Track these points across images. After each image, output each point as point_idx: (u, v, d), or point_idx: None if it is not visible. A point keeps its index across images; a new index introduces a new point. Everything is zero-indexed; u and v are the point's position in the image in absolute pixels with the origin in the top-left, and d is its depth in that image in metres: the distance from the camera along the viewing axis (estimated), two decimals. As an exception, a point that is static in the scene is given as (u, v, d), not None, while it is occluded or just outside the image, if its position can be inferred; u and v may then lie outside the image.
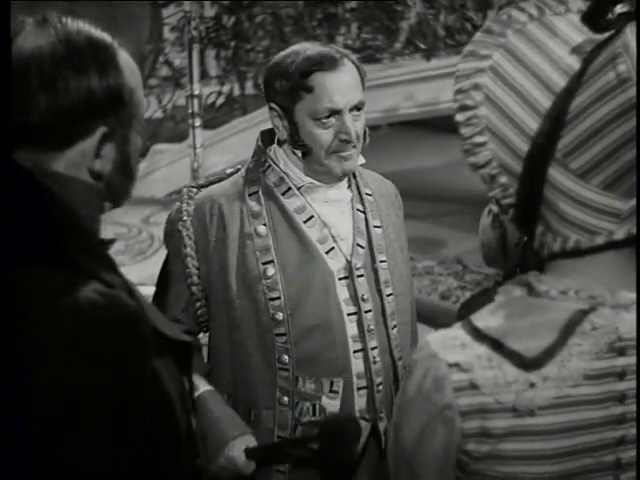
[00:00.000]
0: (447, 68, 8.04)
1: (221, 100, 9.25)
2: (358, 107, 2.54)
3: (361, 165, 2.65)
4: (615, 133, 1.33)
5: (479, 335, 1.38)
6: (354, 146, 2.54)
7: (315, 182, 2.58)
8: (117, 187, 1.59)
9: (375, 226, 2.63)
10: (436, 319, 5.44)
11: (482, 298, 1.44)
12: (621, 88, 1.32)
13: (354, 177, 2.65)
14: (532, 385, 1.35)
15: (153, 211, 8.05)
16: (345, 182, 2.63)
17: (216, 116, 9.09)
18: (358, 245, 2.60)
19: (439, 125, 9.16)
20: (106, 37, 1.56)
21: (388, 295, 2.61)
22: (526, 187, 1.38)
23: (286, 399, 2.53)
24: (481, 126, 1.39)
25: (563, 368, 1.35)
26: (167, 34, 9.38)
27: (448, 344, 1.39)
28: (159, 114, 9.00)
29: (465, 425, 1.37)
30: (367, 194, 2.66)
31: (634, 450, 1.37)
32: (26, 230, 1.43)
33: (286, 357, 2.52)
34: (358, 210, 2.63)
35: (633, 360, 1.36)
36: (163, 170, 8.47)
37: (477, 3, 9.07)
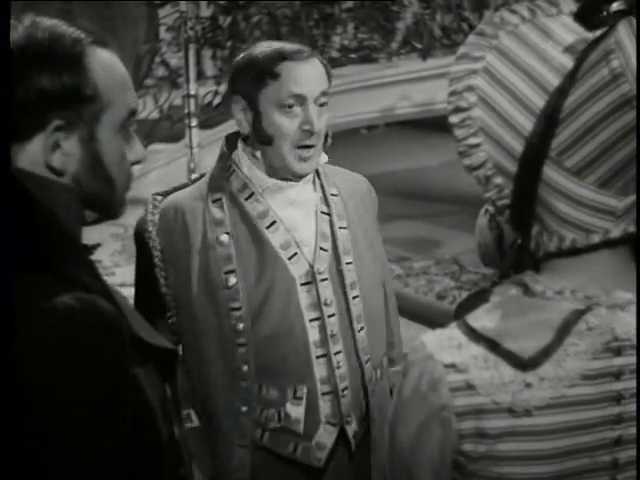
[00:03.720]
0: (443, 68, 8.04)
1: (217, 100, 9.24)
2: (322, 102, 2.53)
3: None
4: (609, 129, 1.33)
5: (475, 335, 1.37)
6: (313, 145, 2.52)
7: (278, 182, 2.55)
8: (92, 191, 1.57)
9: (341, 227, 2.60)
10: (432, 319, 5.44)
11: (478, 298, 1.44)
12: (615, 84, 1.32)
13: (319, 177, 2.63)
14: (528, 385, 1.35)
15: (150, 211, 8.01)
16: (310, 182, 2.60)
17: (212, 116, 9.08)
18: (321, 249, 2.57)
19: (435, 125, 9.16)
20: (75, 34, 1.55)
21: (354, 297, 2.58)
22: (521, 187, 1.38)
23: (245, 408, 2.52)
24: (475, 127, 1.39)
25: (559, 368, 1.35)
26: (163, 34, 9.38)
27: (444, 345, 1.38)
28: (155, 114, 9.00)
29: (461, 426, 1.37)
30: (332, 194, 2.63)
31: (631, 450, 1.37)
32: (5, 233, 1.42)
33: (245, 367, 2.50)
34: (322, 212, 2.60)
35: (630, 360, 1.37)
36: (160, 170, 8.46)
37: (473, 3, 9.08)
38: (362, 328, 2.59)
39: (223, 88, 9.22)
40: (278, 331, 2.51)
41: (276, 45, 2.56)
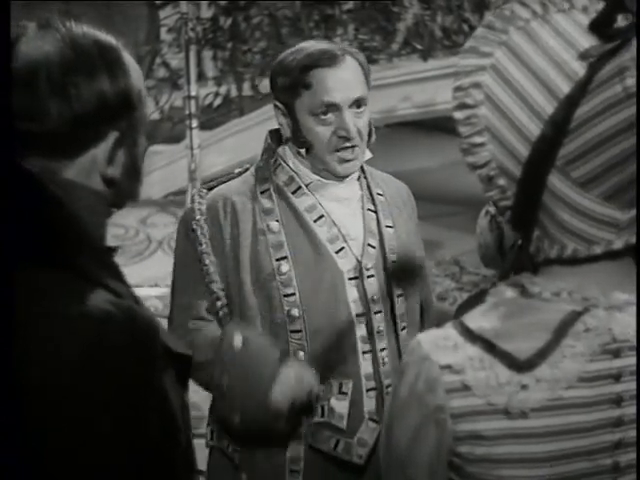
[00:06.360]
0: (444, 69, 8.03)
1: (218, 101, 9.24)
2: (359, 104, 2.53)
3: (369, 164, 2.65)
4: (619, 146, 1.30)
5: (471, 336, 1.36)
6: (355, 145, 2.53)
7: (322, 180, 2.57)
8: (125, 191, 1.57)
9: (387, 226, 2.63)
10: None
11: (478, 300, 1.43)
12: (628, 102, 1.29)
13: (364, 177, 2.64)
14: (524, 387, 1.33)
15: (150, 212, 8.05)
16: (355, 179, 2.62)
17: (213, 117, 9.08)
18: (369, 245, 2.59)
19: (436, 126, 9.15)
20: (111, 39, 1.54)
21: (398, 296, 2.60)
22: (525, 192, 1.36)
23: None
24: (480, 126, 1.37)
25: (556, 370, 1.33)
26: (164, 35, 9.38)
27: (440, 345, 1.37)
28: (156, 115, 8.99)
29: (456, 427, 1.36)
30: (378, 193, 2.65)
31: (632, 453, 1.36)
32: (33, 236, 1.41)
33: (302, 353, 2.51)
34: (369, 210, 2.62)
35: (629, 362, 1.35)
36: (160, 171, 8.46)
37: (474, 4, 9.06)
38: (404, 327, 2.61)
39: (224, 89, 9.22)
40: (326, 324, 2.53)
41: (307, 50, 2.54)
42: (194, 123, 7.12)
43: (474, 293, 1.52)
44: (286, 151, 2.61)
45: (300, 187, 2.58)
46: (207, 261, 2.54)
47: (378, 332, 2.56)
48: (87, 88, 1.47)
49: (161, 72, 9.39)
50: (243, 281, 2.53)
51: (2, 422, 1.34)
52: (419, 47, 9.06)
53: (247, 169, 2.66)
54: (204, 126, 8.49)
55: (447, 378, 1.36)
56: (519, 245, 1.44)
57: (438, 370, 1.36)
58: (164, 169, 8.51)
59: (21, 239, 1.40)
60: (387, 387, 2.56)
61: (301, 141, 2.56)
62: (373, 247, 2.59)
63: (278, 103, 2.57)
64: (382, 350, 2.56)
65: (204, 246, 2.55)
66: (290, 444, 2.53)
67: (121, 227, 7.58)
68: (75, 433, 1.37)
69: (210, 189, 2.62)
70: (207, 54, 9.36)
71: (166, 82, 9.28)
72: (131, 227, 7.79)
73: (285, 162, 2.59)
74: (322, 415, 2.54)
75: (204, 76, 9.22)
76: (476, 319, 1.38)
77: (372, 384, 2.56)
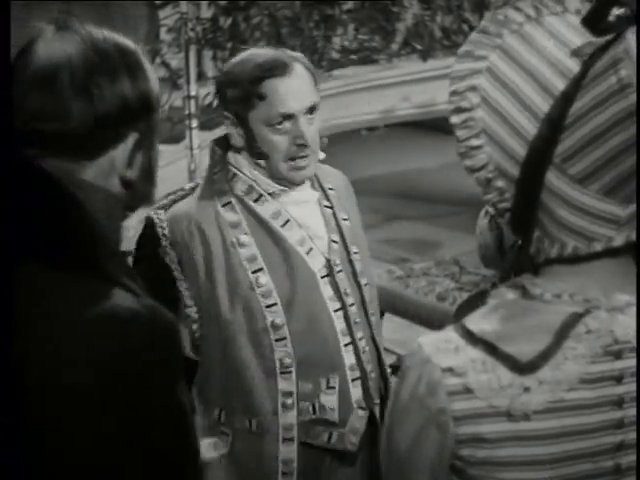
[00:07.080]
0: (444, 69, 8.03)
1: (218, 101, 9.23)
2: (311, 110, 2.55)
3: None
4: (616, 139, 1.30)
5: (473, 338, 1.36)
6: (309, 154, 2.55)
7: (282, 188, 2.58)
8: (141, 194, 1.58)
9: (343, 219, 2.67)
10: (433, 320, 5.44)
11: (478, 300, 1.43)
12: (622, 94, 1.29)
13: (315, 174, 2.66)
14: (527, 389, 1.33)
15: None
16: (307, 182, 2.64)
17: (213, 117, 9.07)
18: (332, 241, 2.63)
19: (436, 126, 9.15)
20: (130, 43, 1.55)
21: (365, 285, 2.66)
22: (523, 192, 1.36)
23: (290, 401, 2.55)
24: (477, 129, 1.37)
25: (558, 372, 1.33)
26: (164, 35, 9.38)
27: (441, 348, 1.37)
28: (156, 115, 8.99)
29: (459, 430, 1.36)
30: (330, 188, 2.69)
31: (633, 455, 1.36)
32: (54, 238, 1.42)
33: (289, 360, 2.54)
34: (326, 206, 2.66)
35: (630, 363, 1.35)
36: (160, 172, 8.40)
37: (474, 4, 9.06)
38: (373, 313, 2.67)
39: (224, 89, 9.20)
40: (307, 325, 2.56)
41: (255, 60, 2.54)
42: (194, 123, 7.11)
43: (473, 294, 1.51)
44: (239, 159, 2.60)
45: (261, 195, 2.58)
46: (181, 287, 2.55)
47: (355, 323, 2.61)
48: (109, 90, 1.49)
49: (161, 72, 9.38)
50: (219, 297, 2.53)
51: (5, 422, 1.35)
52: (419, 47, 9.07)
53: (198, 184, 2.66)
54: (204, 126, 8.50)
55: (449, 381, 1.36)
56: (519, 246, 1.44)
57: (440, 373, 1.36)
58: (164, 169, 8.45)
59: (37, 239, 1.42)
60: (370, 373, 2.61)
61: (257, 152, 2.56)
62: (336, 242, 2.63)
63: (227, 113, 2.57)
64: (361, 339, 2.61)
65: (176, 272, 2.55)
66: (282, 447, 2.55)
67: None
68: (96, 435, 1.37)
69: (165, 209, 2.59)
70: (207, 54, 9.36)
71: (166, 82, 9.27)
72: (131, 228, 7.78)
73: (241, 171, 2.59)
74: (313, 412, 2.57)
75: (204, 76, 9.23)
76: (477, 321, 1.38)
77: (356, 374, 2.61)
